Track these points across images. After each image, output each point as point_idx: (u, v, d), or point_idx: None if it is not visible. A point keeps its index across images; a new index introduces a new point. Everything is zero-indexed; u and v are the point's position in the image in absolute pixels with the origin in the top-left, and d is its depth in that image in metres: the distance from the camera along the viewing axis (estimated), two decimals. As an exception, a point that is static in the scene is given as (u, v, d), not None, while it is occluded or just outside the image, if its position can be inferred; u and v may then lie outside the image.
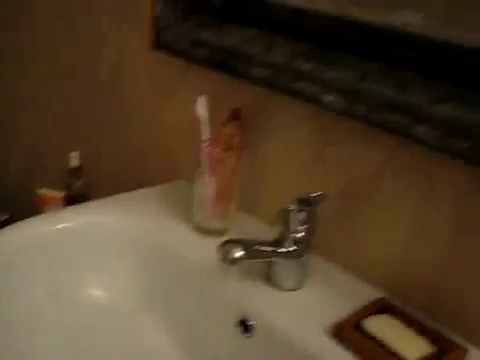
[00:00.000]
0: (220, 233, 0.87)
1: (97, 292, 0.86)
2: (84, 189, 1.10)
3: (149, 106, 1.11)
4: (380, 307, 0.74)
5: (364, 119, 0.68)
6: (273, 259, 0.74)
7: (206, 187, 0.85)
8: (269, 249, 0.73)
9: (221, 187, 0.85)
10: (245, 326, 0.75)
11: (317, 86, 0.71)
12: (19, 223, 0.85)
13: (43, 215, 0.89)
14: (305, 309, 0.75)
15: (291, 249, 0.74)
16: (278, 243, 0.74)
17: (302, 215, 0.73)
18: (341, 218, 0.82)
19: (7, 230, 0.84)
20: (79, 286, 0.86)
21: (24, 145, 1.49)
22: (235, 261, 0.67)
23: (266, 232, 0.88)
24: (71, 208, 0.91)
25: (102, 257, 0.87)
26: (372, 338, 0.68)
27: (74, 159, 1.08)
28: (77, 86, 1.27)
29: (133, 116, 1.16)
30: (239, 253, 0.67)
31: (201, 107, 0.84)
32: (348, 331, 0.69)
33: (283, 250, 0.73)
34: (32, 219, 0.87)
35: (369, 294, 0.77)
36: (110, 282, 0.87)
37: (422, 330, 0.70)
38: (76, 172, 1.09)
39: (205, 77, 0.95)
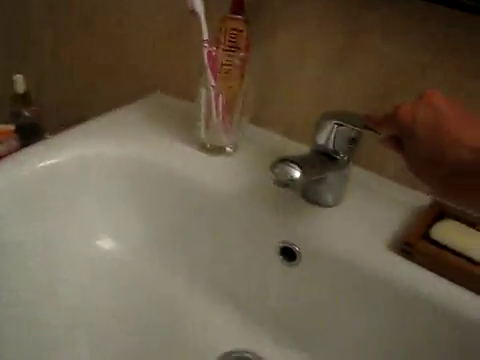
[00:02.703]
0: (231, 150, 0.74)
1: (105, 238, 0.72)
2: (35, 118, 0.91)
3: (107, 4, 0.91)
4: (438, 212, 0.66)
5: None
6: (326, 175, 0.63)
7: (210, 97, 0.71)
8: (321, 164, 0.61)
9: (229, 96, 0.71)
10: (289, 253, 0.65)
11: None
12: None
13: (19, 153, 0.70)
14: (356, 225, 0.66)
15: (338, 159, 0.63)
16: (324, 155, 0.63)
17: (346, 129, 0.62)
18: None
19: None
20: (84, 233, 0.71)
21: None
22: (292, 183, 0.56)
23: (283, 145, 0.77)
24: (46, 142, 0.73)
25: (103, 195, 0.72)
26: (446, 248, 0.60)
27: (19, 83, 0.88)
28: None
29: (86, 19, 0.95)
30: (297, 173, 0.55)
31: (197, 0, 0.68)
32: (420, 244, 0.60)
33: (331, 161, 0.62)
34: (6, 160, 0.69)
35: (419, 200, 0.69)
36: (118, 225, 0.73)
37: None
38: (23, 98, 0.90)
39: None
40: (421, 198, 0.69)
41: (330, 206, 0.68)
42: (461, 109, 0.47)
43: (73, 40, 0.99)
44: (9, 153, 0.87)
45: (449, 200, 0.48)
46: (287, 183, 0.55)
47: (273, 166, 0.56)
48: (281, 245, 0.65)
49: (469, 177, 0.44)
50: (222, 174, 0.71)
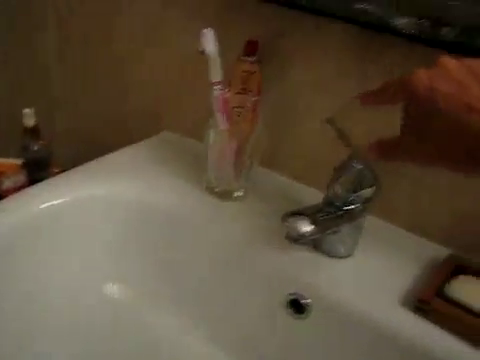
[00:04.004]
0: (240, 195, 0.72)
1: (107, 280, 0.70)
2: (44, 151, 0.90)
3: (115, 40, 0.91)
4: (455, 266, 0.63)
5: (452, 47, 0.54)
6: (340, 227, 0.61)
7: (221, 141, 0.69)
8: (335, 217, 0.59)
9: (240, 139, 0.69)
10: (297, 306, 0.62)
11: (382, 5, 0.55)
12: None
13: (23, 193, 0.69)
14: (368, 278, 0.63)
15: (353, 210, 0.61)
16: (338, 206, 0.60)
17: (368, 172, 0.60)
18: (393, 165, 0.68)
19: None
20: (85, 274, 0.69)
21: None
22: (304, 238, 0.54)
23: (294, 190, 0.74)
24: (51, 181, 0.72)
25: (106, 237, 0.71)
26: (461, 306, 0.57)
27: (29, 117, 0.87)
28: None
29: (94, 55, 0.95)
30: (309, 228, 0.53)
31: (209, 41, 0.67)
32: (436, 302, 0.58)
33: (345, 213, 0.60)
34: (9, 199, 0.67)
35: (435, 252, 0.67)
36: (120, 267, 0.71)
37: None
38: (33, 133, 0.88)
39: (198, 2, 0.78)
40: (438, 250, 0.67)
41: (342, 257, 0.65)
42: None
43: (80, 74, 0.99)
44: (16, 188, 0.86)
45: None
46: (298, 238, 0.53)
47: (284, 220, 0.54)
48: (290, 297, 0.63)
49: None
50: (230, 219, 0.69)
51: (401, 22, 0.54)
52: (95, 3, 0.92)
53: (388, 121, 0.60)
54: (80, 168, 0.75)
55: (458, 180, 0.65)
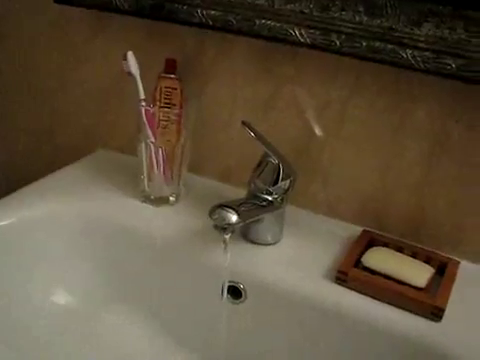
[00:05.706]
0: (174, 200, 0.79)
1: (56, 295, 0.75)
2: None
3: (44, 65, 0.96)
4: (368, 240, 0.72)
5: (340, 51, 0.63)
6: (262, 216, 0.69)
7: (151, 152, 0.76)
8: (257, 207, 0.67)
9: (168, 149, 0.77)
10: (234, 292, 0.70)
11: (280, 21, 0.64)
12: None
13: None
14: (294, 260, 0.71)
15: (273, 201, 0.69)
16: (260, 198, 0.68)
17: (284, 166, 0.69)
18: (306, 159, 0.77)
19: None
20: (33, 291, 0.73)
21: None
22: (230, 227, 0.61)
23: (221, 190, 0.82)
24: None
25: (54, 253, 0.75)
26: (377, 273, 0.66)
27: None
28: None
29: (23, 81, 0.99)
30: (234, 218, 0.60)
31: (132, 63, 0.74)
32: (353, 271, 0.66)
33: (267, 203, 0.68)
34: None
35: (350, 231, 0.76)
36: (68, 281, 0.75)
37: (414, 253, 0.71)
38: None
39: (122, 28, 0.84)
40: (352, 229, 0.76)
41: (270, 244, 0.73)
42: None
43: (9, 101, 1.02)
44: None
45: None
46: (225, 227, 0.61)
47: (211, 212, 0.61)
48: (227, 284, 0.69)
49: None
50: (167, 223, 0.75)
51: (296, 33, 0.63)
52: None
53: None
54: (23, 190, 0.79)
55: (362, 170, 0.75)
